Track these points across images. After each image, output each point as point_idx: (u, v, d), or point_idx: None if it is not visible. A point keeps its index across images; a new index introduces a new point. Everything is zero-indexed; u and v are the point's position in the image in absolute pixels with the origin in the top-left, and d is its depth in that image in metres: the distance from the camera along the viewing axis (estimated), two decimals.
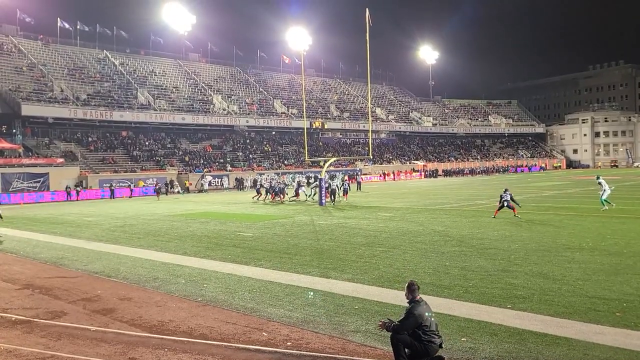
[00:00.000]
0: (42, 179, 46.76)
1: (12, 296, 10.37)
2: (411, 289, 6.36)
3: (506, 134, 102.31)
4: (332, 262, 12.49)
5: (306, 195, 35.49)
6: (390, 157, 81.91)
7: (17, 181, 45.16)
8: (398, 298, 9.06)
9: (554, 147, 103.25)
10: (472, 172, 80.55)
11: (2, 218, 20.69)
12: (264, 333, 7.58)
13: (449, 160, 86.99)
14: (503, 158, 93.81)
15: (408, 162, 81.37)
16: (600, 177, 23.18)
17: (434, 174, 76.73)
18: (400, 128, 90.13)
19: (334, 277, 10.98)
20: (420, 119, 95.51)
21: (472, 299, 8.91)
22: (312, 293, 9.89)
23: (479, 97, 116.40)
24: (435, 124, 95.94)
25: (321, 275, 11.22)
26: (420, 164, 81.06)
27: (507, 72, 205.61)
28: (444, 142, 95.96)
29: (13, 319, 8.77)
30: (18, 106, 51.83)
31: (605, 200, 22.41)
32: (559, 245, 13.80)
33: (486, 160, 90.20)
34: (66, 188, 46.17)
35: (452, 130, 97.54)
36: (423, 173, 76.66)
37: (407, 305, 6.34)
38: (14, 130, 52.75)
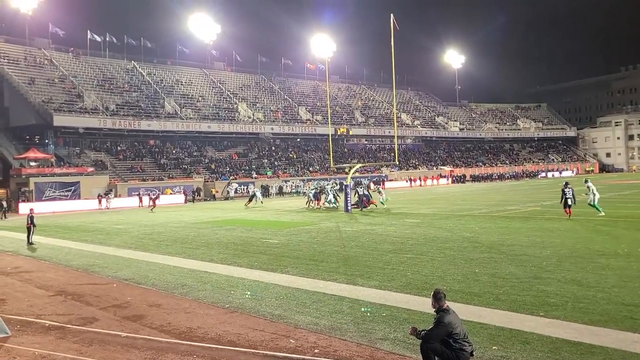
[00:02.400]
0: (73, 188, 47.81)
1: (45, 302, 10.59)
2: (437, 298, 6.24)
3: (536, 138, 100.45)
4: (358, 269, 12.42)
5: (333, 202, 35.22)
6: (417, 163, 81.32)
7: (49, 190, 46.30)
8: (426, 305, 8.92)
9: (587, 150, 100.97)
10: (501, 177, 79.29)
11: (35, 226, 21.19)
12: (291, 340, 7.57)
13: (477, 166, 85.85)
14: (533, 162, 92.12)
15: (435, 168, 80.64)
16: (589, 181, 22.58)
17: (461, 179, 75.81)
18: (426, 133, 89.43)
19: (360, 284, 10.91)
20: (446, 123, 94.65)
21: (503, 307, 8.74)
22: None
23: (507, 101, 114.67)
24: (462, 129, 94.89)
25: (348, 282, 11.15)
26: (447, 169, 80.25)
27: (536, 75, 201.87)
28: (471, 147, 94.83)
29: (47, 324, 8.95)
30: (50, 117, 53.19)
31: (595, 205, 21.75)
32: (592, 251, 13.45)
33: (515, 165, 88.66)
34: (98, 196, 47.01)
35: (480, 134, 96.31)
36: (450, 178, 75.82)
37: (435, 314, 6.23)
38: (47, 141, 54.17)
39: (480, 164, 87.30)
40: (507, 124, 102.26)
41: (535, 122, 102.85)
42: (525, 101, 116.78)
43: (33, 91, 56.87)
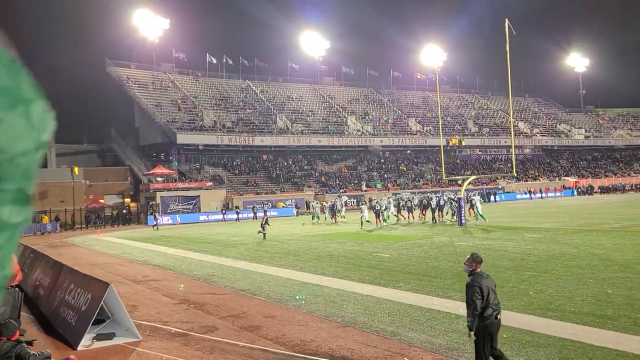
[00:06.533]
0: (194, 201, 51.13)
1: (171, 310, 11.28)
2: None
3: None
4: None
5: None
6: (536, 174, 76.67)
7: (173, 203, 49.97)
8: (552, 328, 8.27)
9: None
10: (635, 188, 72.12)
11: (269, 225, 27.45)
12: (405, 358, 7.35)
13: (606, 176, 78.87)
14: None
15: (557, 179, 75.43)
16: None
17: (588, 191, 70.06)
18: (546, 142, 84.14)
19: None
20: (569, 131, 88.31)
21: None
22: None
23: None
24: (588, 136, 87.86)
25: (464, 299, 10.57)
26: (571, 180, 74.67)
27: None
28: (599, 155, 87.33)
29: (172, 331, 9.51)
30: (174, 136, 57.56)
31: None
32: None
33: None
34: (222, 210, 49.81)
35: (609, 142, 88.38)
36: (576, 190, 70.41)
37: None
38: (171, 157, 58.68)
39: (610, 174, 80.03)
40: None
41: None
42: None
43: (159, 112, 61.92)
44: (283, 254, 20.12)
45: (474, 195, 33.44)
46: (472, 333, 6.02)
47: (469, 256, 6.43)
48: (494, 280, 6.37)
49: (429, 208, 33.74)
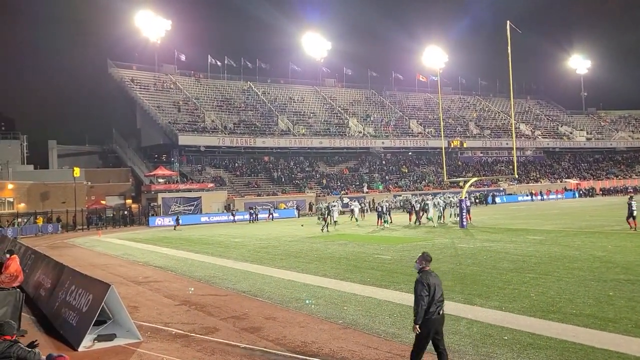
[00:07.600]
0: (195, 203, 51.14)
1: (172, 311, 11.28)
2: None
3: None
4: (476, 288, 11.80)
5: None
6: (538, 176, 76.59)
7: (175, 205, 49.99)
8: (553, 330, 8.27)
9: None
10: (636, 190, 71.95)
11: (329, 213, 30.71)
12: None
13: (608, 178, 78.77)
14: None
15: (559, 181, 75.33)
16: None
17: (590, 192, 69.95)
18: (548, 144, 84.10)
19: (479, 304, 10.35)
20: (571, 133, 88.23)
21: None
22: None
23: None
24: (590, 139, 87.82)
25: (465, 301, 10.63)
26: (573, 182, 74.59)
27: None
28: (600, 157, 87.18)
29: (173, 332, 9.52)
30: (175, 137, 57.63)
31: None
32: None
33: None
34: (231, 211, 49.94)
35: (611, 144, 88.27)
36: (577, 192, 70.27)
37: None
38: (172, 159, 58.75)
39: (612, 176, 79.97)
40: None
41: None
42: None
43: (161, 113, 62.01)
44: (284, 255, 20.12)
45: (429, 200, 34.57)
46: (417, 326, 6.51)
47: (420, 254, 6.81)
48: (440, 279, 6.72)
49: (414, 210, 34.11)
